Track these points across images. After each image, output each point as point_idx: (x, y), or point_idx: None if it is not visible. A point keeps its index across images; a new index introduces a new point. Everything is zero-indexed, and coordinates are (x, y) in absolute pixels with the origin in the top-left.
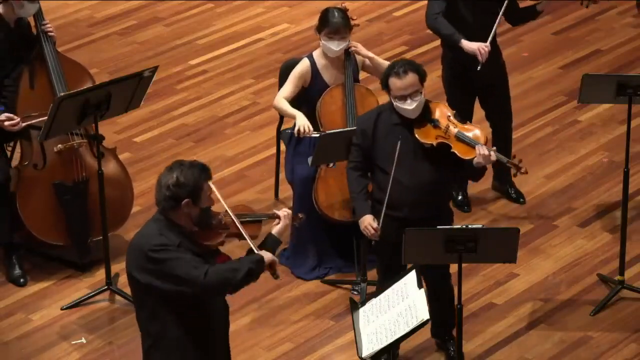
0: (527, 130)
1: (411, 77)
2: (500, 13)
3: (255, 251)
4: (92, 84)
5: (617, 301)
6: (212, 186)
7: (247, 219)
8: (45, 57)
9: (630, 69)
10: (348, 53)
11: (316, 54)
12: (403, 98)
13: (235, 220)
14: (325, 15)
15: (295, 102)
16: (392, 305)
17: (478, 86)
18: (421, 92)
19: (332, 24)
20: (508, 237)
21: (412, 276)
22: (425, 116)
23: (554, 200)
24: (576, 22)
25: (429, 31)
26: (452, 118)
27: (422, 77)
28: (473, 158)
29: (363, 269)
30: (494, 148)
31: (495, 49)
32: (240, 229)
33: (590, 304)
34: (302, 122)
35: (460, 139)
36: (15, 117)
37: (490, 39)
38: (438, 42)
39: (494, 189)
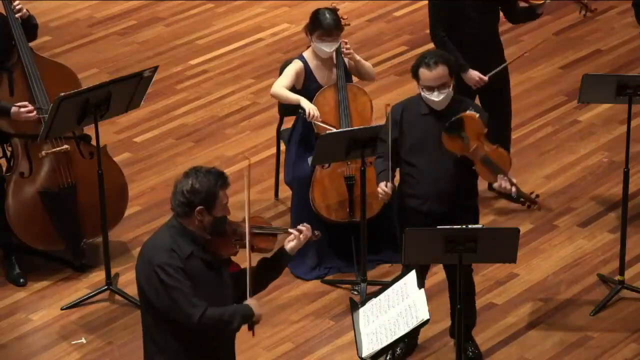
0: (527, 130)
1: (441, 70)
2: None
3: (248, 297)
4: (76, 85)
5: (617, 301)
6: (246, 191)
7: (263, 232)
8: (23, 63)
9: (630, 69)
10: (339, 52)
11: (307, 55)
12: (431, 89)
13: (247, 234)
14: (316, 16)
15: (292, 105)
16: (392, 305)
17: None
18: (449, 86)
19: (325, 25)
20: (508, 237)
21: (412, 276)
22: (457, 128)
23: (554, 200)
24: (576, 22)
25: (429, 31)
26: (483, 138)
27: (452, 69)
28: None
29: (363, 269)
30: (515, 181)
31: (498, 48)
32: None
33: (590, 304)
34: (310, 105)
35: (485, 163)
36: (28, 104)
37: (490, 74)
38: None
39: (492, 189)
